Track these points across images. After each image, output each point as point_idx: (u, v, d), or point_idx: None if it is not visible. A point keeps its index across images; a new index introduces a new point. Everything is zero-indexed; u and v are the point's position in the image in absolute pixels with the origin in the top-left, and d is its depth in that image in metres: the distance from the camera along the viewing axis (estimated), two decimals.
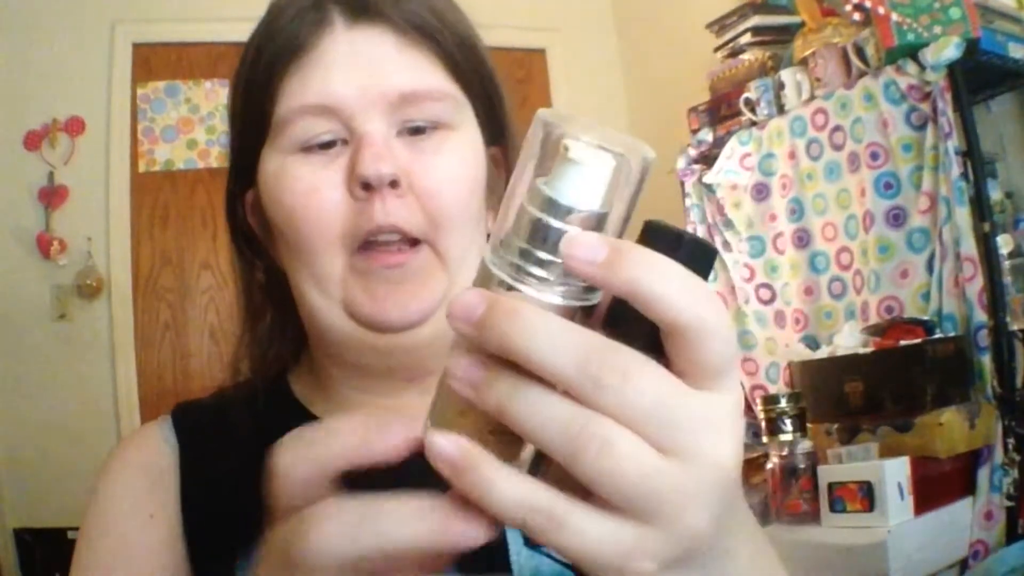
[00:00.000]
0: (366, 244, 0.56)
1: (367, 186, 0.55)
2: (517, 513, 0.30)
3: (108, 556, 0.59)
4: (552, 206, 0.30)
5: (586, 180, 0.30)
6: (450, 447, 0.30)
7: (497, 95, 0.65)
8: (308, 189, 0.57)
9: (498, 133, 0.66)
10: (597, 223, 0.31)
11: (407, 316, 0.57)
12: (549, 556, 0.59)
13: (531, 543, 0.59)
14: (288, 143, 0.58)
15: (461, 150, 0.60)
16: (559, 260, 0.30)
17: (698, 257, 0.31)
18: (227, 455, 0.61)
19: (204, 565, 0.60)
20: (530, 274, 0.30)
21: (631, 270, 0.29)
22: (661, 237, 0.31)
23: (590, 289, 0.31)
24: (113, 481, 0.63)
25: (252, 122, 0.61)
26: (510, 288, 0.30)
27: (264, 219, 0.63)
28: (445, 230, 0.58)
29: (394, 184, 0.55)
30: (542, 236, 0.30)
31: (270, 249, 0.65)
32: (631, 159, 0.30)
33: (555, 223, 0.30)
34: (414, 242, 0.57)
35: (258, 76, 0.60)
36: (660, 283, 0.29)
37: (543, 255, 0.30)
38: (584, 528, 0.29)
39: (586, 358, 0.29)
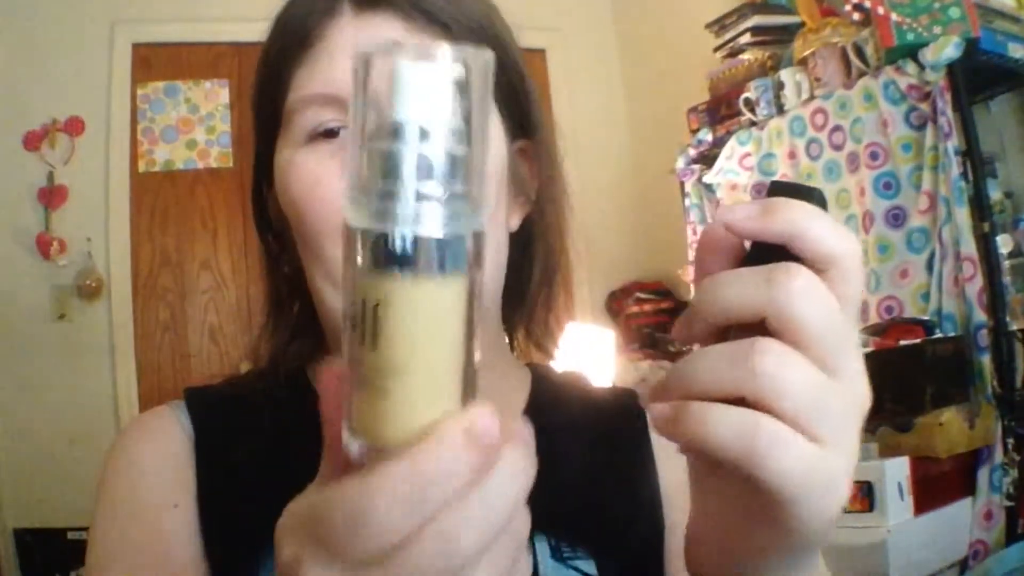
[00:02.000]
0: None
1: None
2: (740, 437, 0.31)
3: (141, 543, 0.58)
4: (401, 131, 0.26)
5: (427, 94, 0.26)
6: (665, 407, 0.34)
7: (522, 86, 0.63)
8: (313, 180, 0.57)
9: (525, 126, 0.64)
10: (454, 137, 0.27)
11: None
12: (576, 569, 0.58)
13: (558, 556, 0.58)
14: (296, 134, 0.58)
15: None
16: (430, 184, 0.27)
17: (823, 203, 0.34)
18: (246, 447, 0.60)
19: (221, 559, 0.58)
20: (398, 213, 0.26)
21: (786, 215, 0.33)
22: (790, 190, 0.34)
23: (468, 208, 0.27)
24: (137, 464, 0.61)
25: (267, 114, 0.61)
26: (379, 237, 0.26)
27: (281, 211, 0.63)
28: None
29: None
30: (400, 165, 0.26)
31: (291, 241, 0.65)
32: (471, 63, 0.27)
33: (409, 147, 0.26)
34: None
35: (270, 67, 0.60)
36: (814, 223, 0.33)
37: (409, 185, 0.26)
38: (791, 441, 0.31)
39: (738, 362, 0.32)
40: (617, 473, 0.65)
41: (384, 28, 0.57)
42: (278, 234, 0.66)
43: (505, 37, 0.62)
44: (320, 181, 0.56)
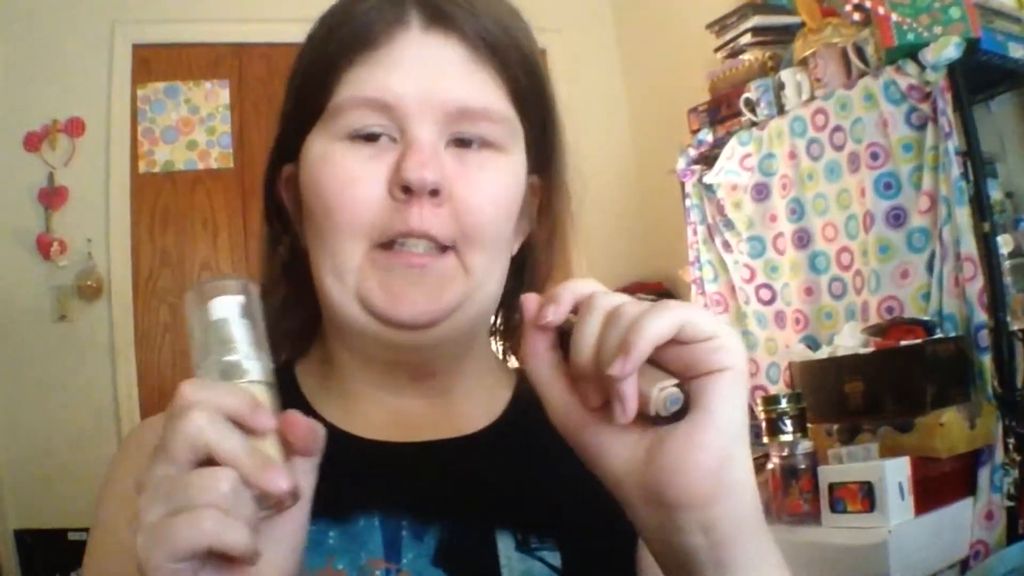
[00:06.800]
0: (389, 243, 0.57)
1: (407, 190, 0.56)
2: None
3: (114, 545, 0.59)
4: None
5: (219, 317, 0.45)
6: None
7: (552, 124, 0.66)
8: (349, 179, 0.58)
9: (543, 162, 0.67)
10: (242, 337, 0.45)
11: (417, 316, 0.58)
12: (540, 560, 0.59)
13: (525, 547, 0.59)
14: (339, 129, 0.59)
15: (505, 174, 0.61)
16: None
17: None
18: None
19: None
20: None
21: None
22: None
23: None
24: (127, 463, 0.63)
25: (308, 101, 0.61)
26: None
27: (297, 196, 0.64)
28: (475, 244, 0.59)
29: (435, 193, 0.57)
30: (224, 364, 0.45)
31: (297, 226, 0.66)
32: (247, 296, 0.46)
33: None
34: (443, 249, 0.58)
35: (324, 57, 0.61)
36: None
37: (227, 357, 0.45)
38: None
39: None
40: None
41: (447, 50, 0.59)
42: (280, 214, 0.67)
43: (546, 75, 0.65)
44: (357, 180, 0.58)
